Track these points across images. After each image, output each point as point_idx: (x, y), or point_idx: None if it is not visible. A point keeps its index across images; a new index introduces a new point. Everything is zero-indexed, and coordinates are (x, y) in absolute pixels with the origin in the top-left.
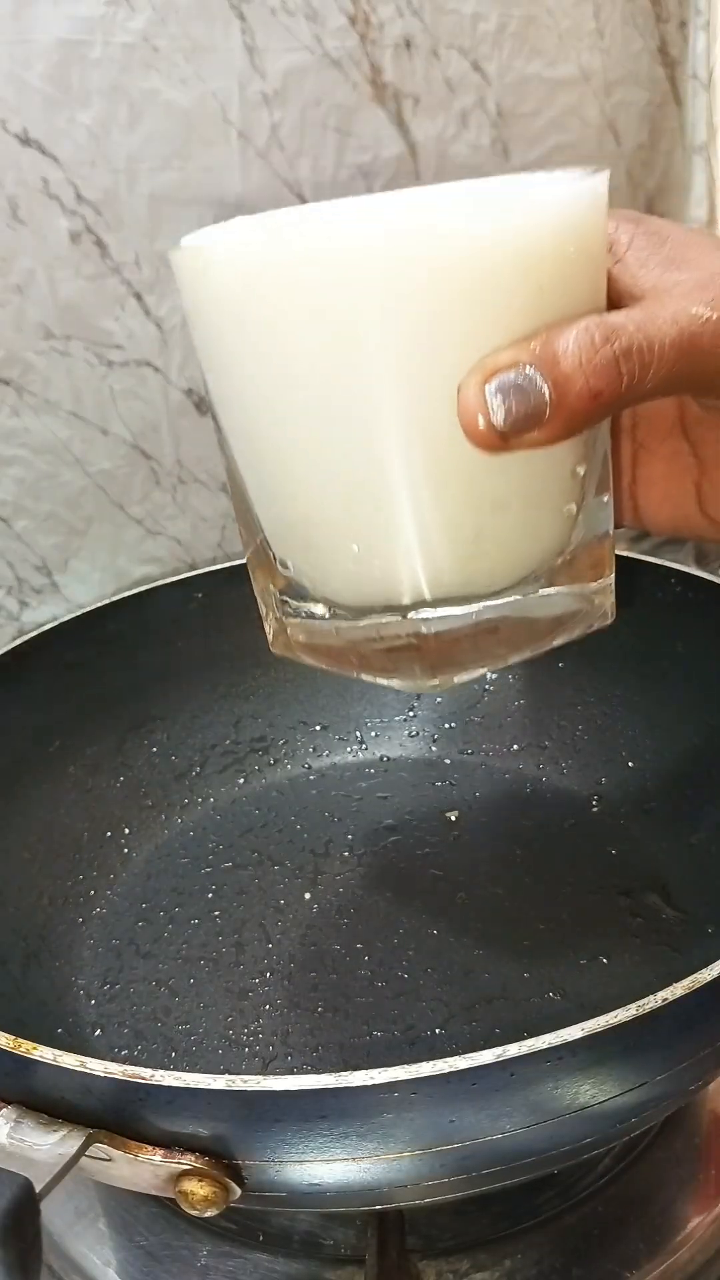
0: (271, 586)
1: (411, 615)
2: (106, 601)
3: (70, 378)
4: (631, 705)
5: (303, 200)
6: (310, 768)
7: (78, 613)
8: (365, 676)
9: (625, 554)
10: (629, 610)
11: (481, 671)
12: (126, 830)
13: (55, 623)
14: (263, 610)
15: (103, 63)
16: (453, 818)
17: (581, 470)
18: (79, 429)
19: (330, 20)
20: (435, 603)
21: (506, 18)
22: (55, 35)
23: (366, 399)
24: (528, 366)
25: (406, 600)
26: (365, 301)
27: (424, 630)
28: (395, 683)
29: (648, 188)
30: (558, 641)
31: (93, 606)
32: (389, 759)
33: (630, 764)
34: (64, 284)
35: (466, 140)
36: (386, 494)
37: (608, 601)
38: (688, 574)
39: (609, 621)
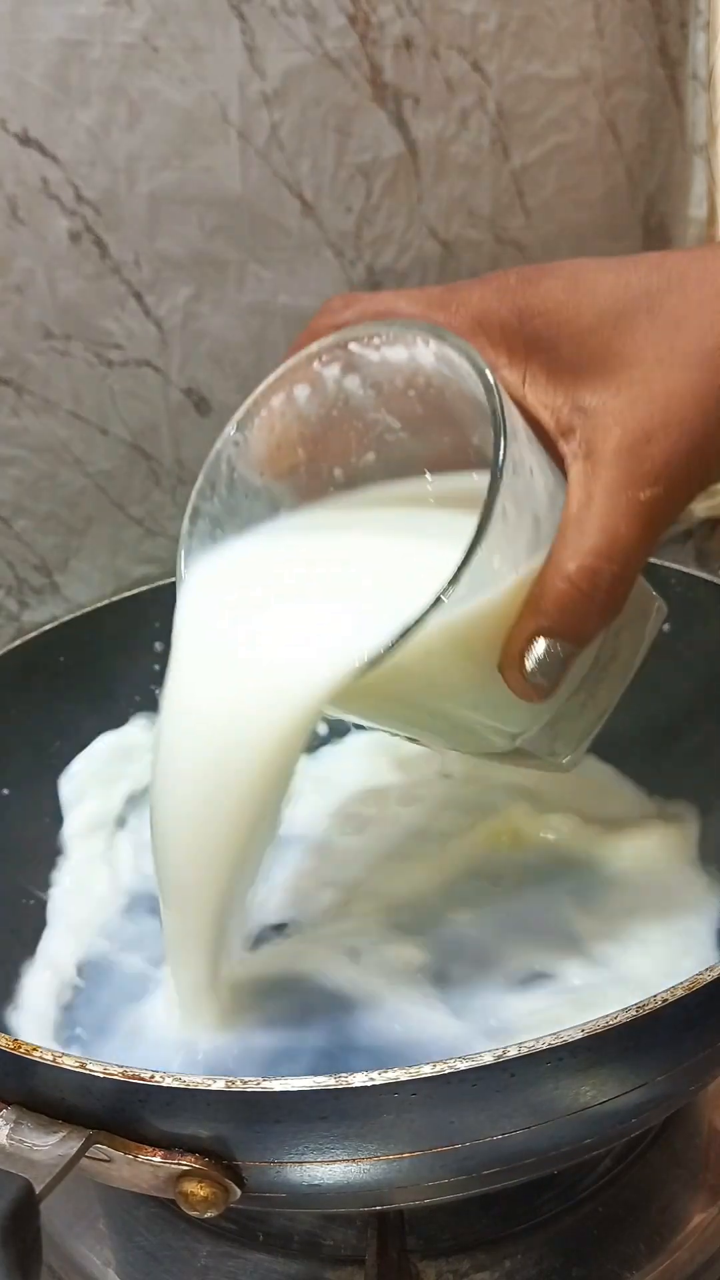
0: None
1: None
2: (106, 601)
3: (70, 378)
4: (632, 705)
5: (303, 201)
6: None
7: (78, 613)
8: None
9: None
10: None
11: (590, 730)
12: None
13: (55, 623)
14: None
15: (103, 63)
16: None
17: None
18: (79, 429)
19: (330, 20)
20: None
21: (506, 18)
22: (55, 35)
23: (460, 711)
24: (541, 638)
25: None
26: (427, 675)
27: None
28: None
29: (648, 188)
30: (642, 650)
31: (93, 606)
32: None
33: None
34: (64, 284)
35: (466, 140)
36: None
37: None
38: (688, 574)
39: (665, 613)
